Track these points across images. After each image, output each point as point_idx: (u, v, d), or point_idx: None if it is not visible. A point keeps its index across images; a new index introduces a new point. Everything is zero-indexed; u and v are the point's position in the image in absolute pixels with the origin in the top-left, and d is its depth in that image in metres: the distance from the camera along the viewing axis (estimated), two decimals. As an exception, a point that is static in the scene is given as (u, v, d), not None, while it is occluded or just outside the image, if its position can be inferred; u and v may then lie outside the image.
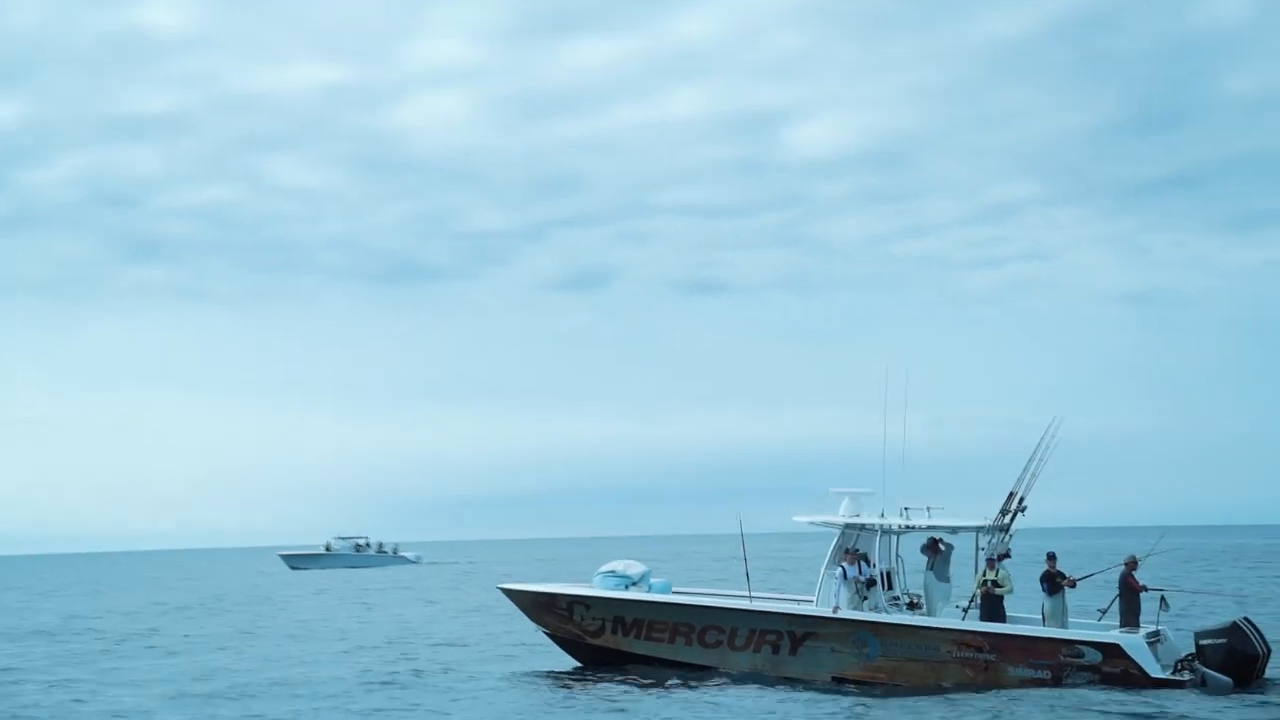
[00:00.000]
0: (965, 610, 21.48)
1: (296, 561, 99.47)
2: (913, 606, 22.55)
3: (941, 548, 22.58)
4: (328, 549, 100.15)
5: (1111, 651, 20.05)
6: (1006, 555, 21.80)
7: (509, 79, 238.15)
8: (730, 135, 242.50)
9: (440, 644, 30.99)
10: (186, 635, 35.14)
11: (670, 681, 21.61)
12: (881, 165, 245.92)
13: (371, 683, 23.35)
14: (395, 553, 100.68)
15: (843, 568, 22.05)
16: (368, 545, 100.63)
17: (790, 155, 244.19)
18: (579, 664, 23.97)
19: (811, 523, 23.16)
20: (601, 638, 23.31)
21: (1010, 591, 21.38)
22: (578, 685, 22.15)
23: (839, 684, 21.18)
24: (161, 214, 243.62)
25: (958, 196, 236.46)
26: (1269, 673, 21.13)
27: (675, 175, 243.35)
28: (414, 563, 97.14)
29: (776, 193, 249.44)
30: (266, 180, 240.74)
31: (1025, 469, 21.86)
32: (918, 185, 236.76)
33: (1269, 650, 20.91)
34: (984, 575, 21.31)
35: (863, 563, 22.11)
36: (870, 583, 22.01)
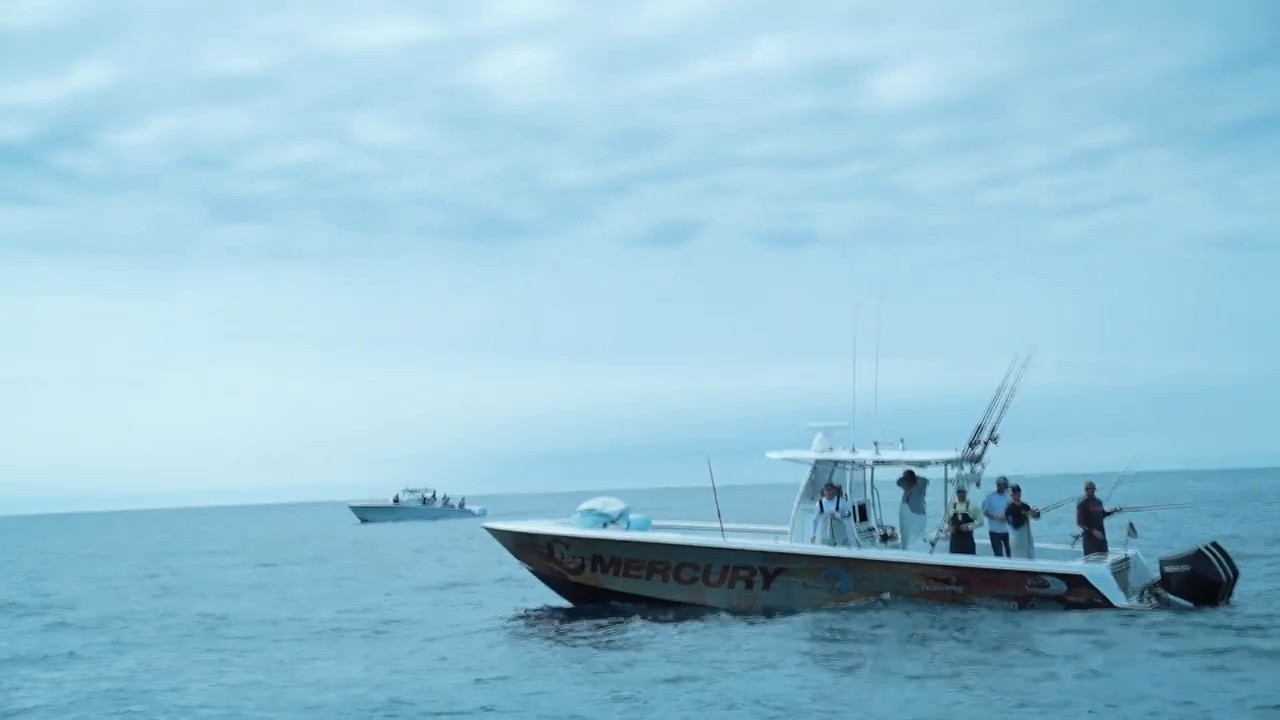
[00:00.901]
0: (934, 543, 21.73)
1: (366, 514, 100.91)
2: (887, 538, 22.84)
3: (917, 481, 22.79)
4: (396, 501, 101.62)
5: (1075, 582, 20.29)
6: (1013, 492, 22.00)
7: (591, 33, 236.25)
8: (814, 85, 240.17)
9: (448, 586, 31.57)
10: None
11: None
12: (967, 113, 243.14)
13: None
14: (461, 505, 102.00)
15: (820, 502, 22.30)
16: (434, 498, 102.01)
17: (875, 104, 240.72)
18: (565, 601, 24.41)
19: (784, 458, 23.35)
20: (581, 575, 23.70)
21: (980, 524, 21.61)
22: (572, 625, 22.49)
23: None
24: (250, 174, 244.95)
25: (1046, 143, 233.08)
26: (1236, 597, 21.42)
27: (759, 127, 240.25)
28: (478, 515, 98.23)
29: (861, 142, 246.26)
30: (353, 138, 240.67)
31: (994, 401, 21.99)
32: (1005, 132, 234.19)
33: (1234, 575, 21.13)
34: (953, 507, 21.52)
35: (840, 497, 22.36)
36: (845, 516, 22.32)
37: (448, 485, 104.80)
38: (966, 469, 22.25)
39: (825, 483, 22.74)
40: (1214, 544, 21.38)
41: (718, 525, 23.60)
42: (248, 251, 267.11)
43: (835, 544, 22.02)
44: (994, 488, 22.09)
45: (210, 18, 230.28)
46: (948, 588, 20.97)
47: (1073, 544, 22.58)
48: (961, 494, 21.62)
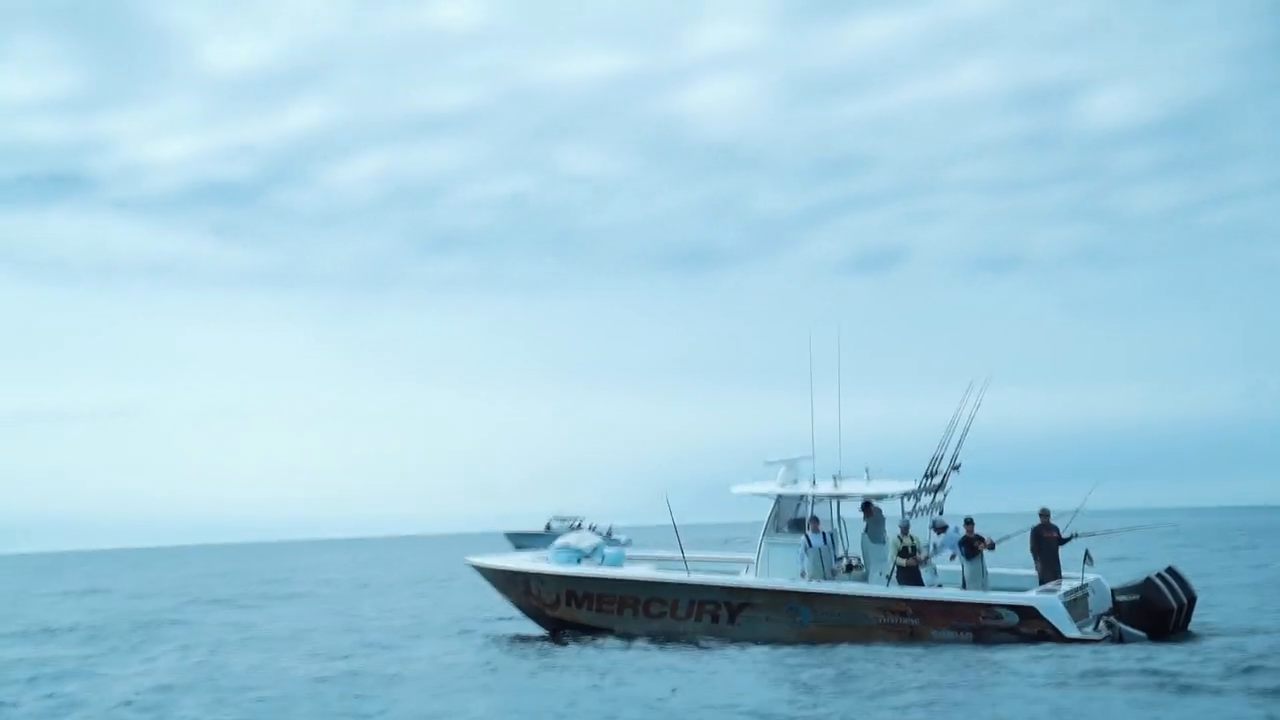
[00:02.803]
0: (888, 578, 22.05)
1: (520, 541, 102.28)
2: (851, 569, 23.19)
3: (874, 512, 23.14)
4: (548, 529, 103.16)
5: (1027, 613, 20.53)
6: (944, 528, 22.25)
7: (791, 59, 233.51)
8: (1020, 108, 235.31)
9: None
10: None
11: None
12: (1181, 132, 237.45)
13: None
14: (608, 535, 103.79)
15: (807, 536, 22.67)
16: (580, 526, 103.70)
17: (1084, 125, 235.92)
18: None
19: (747, 493, 23.80)
20: (558, 610, 24.29)
21: (925, 561, 21.89)
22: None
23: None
24: (458, 207, 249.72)
25: (1265, 161, 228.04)
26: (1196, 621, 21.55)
27: (964, 151, 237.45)
28: (624, 544, 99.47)
29: (1071, 164, 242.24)
30: (558, 169, 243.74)
31: (948, 432, 22.27)
32: (1221, 152, 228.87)
33: (1189, 600, 21.21)
34: (898, 542, 21.85)
35: (810, 532, 22.66)
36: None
37: (636, 515, 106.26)
38: (926, 500, 22.55)
39: (792, 517, 23.19)
40: (1170, 569, 21.47)
41: (696, 557, 24.18)
42: (456, 282, 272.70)
43: (822, 577, 22.38)
44: (951, 528, 22.27)
45: (418, 55, 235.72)
46: (904, 620, 21.29)
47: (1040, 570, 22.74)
48: (904, 529, 21.94)
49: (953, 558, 22.13)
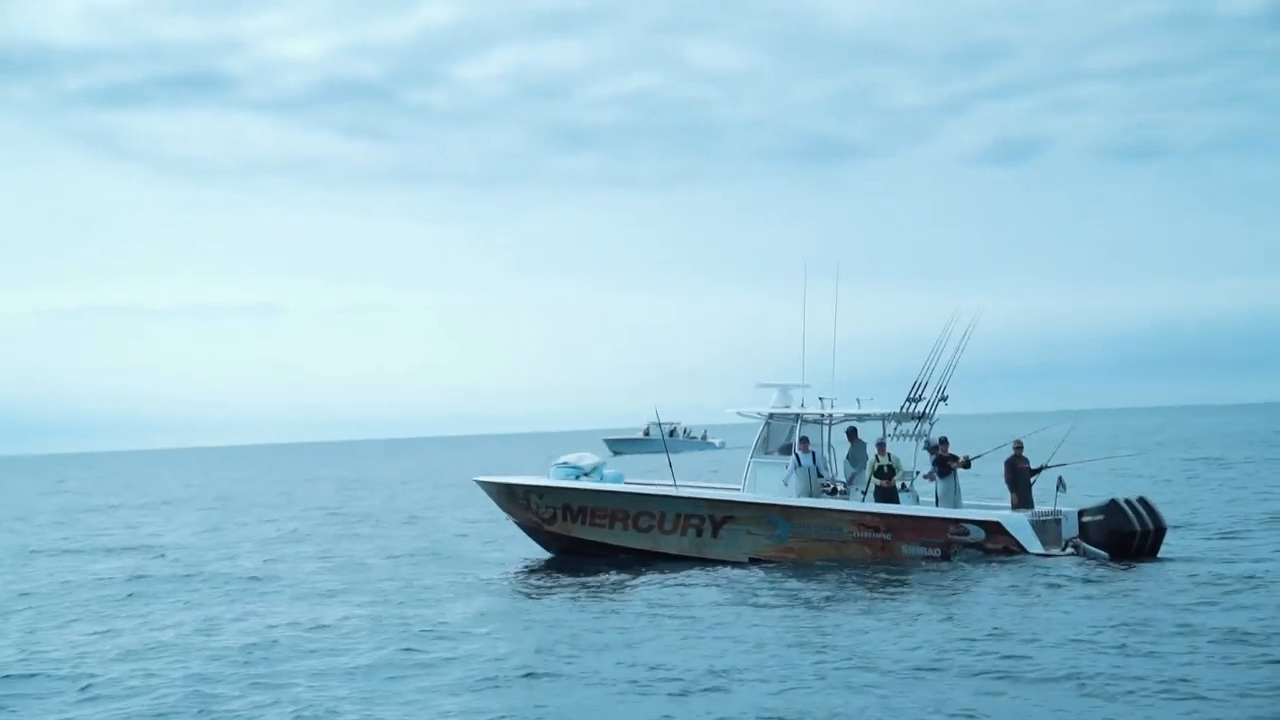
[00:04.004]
0: (864, 494, 22.71)
1: (618, 446, 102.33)
2: (834, 491, 23.84)
3: (860, 434, 23.83)
4: (646, 434, 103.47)
5: (993, 529, 21.12)
6: (940, 444, 22.85)
7: None
8: None
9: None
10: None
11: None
12: None
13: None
14: (704, 438, 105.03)
15: (797, 455, 23.43)
16: (676, 433, 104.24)
17: (1230, 7, 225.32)
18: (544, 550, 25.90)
19: (740, 414, 24.58)
20: (554, 524, 25.19)
21: (902, 479, 22.52)
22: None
23: (754, 564, 22.66)
24: (587, 103, 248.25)
25: None
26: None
27: (1105, 37, 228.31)
28: (718, 448, 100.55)
29: (1216, 48, 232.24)
30: (687, 64, 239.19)
31: (930, 358, 22.89)
32: None
33: (1156, 527, 21.59)
34: (875, 461, 22.49)
35: (800, 451, 23.41)
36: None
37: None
38: (910, 425, 23.18)
39: (783, 441, 23.95)
40: (1141, 498, 21.86)
41: (689, 484, 25.07)
42: (586, 179, 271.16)
43: (810, 495, 23.11)
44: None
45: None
46: (877, 535, 21.95)
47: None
48: (881, 447, 22.59)
49: (930, 476, 22.72)
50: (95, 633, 18.35)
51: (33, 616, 20.33)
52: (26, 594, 23.26)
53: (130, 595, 22.49)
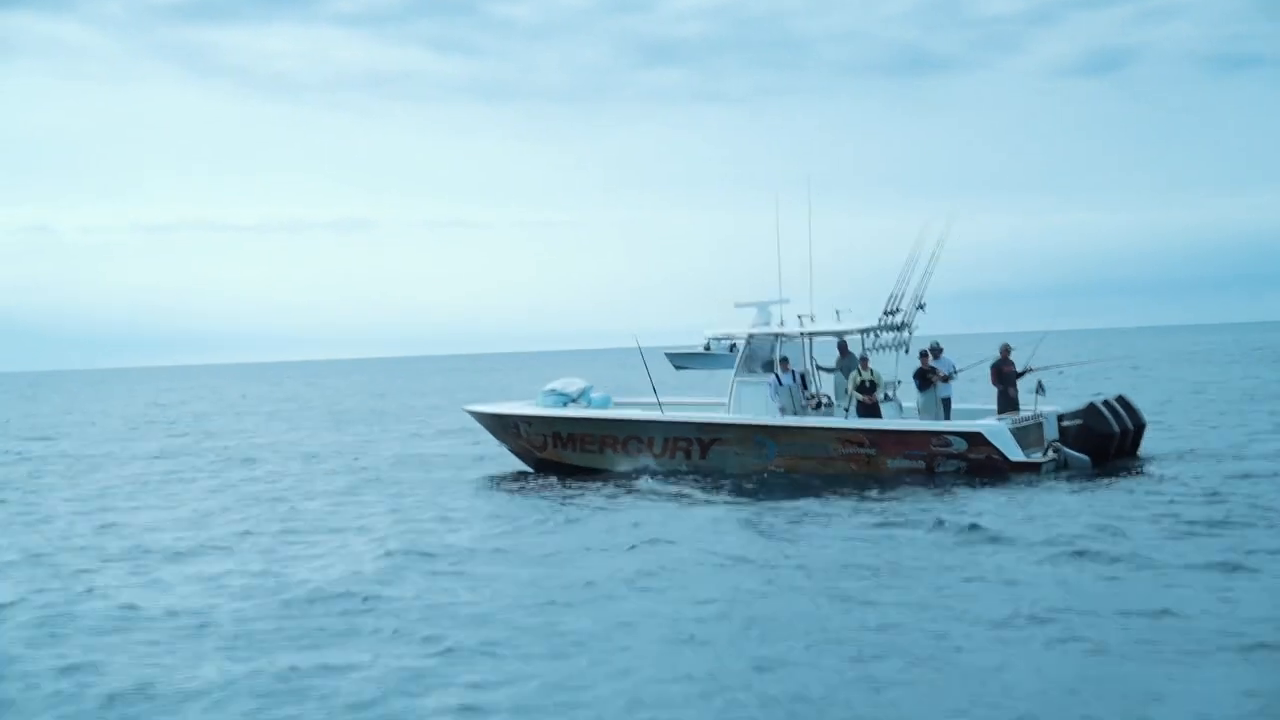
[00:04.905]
0: (846, 410, 23.03)
1: (679, 360, 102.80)
2: (820, 406, 24.16)
3: (849, 349, 24.05)
4: (706, 348, 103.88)
5: (975, 439, 21.47)
6: (939, 352, 23.11)
7: None
8: None
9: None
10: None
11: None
12: None
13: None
14: None
15: (777, 375, 23.69)
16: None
17: None
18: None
19: (720, 334, 24.82)
20: (546, 451, 25.59)
21: (884, 392, 22.82)
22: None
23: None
24: (673, 17, 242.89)
25: None
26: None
27: None
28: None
29: None
30: None
31: (906, 269, 23.01)
32: None
33: (1135, 426, 22.02)
34: (857, 375, 22.76)
35: (780, 371, 23.66)
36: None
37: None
38: (888, 336, 23.41)
39: (764, 358, 24.20)
40: (1119, 397, 22.23)
41: (671, 401, 25.41)
42: (670, 93, 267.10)
43: (794, 413, 23.42)
44: (945, 353, 23.18)
45: None
46: (861, 450, 22.31)
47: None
48: (864, 361, 22.84)
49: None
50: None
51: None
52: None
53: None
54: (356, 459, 31.62)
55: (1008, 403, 22.91)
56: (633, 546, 16.32)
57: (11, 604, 14.17)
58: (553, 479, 24.30)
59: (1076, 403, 22.88)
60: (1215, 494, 18.27)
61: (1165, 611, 11.56)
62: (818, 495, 20.13)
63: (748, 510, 19.13)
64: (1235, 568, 13.28)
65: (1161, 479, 20.04)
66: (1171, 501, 17.72)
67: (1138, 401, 23.15)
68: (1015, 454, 21.30)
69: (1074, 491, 19.20)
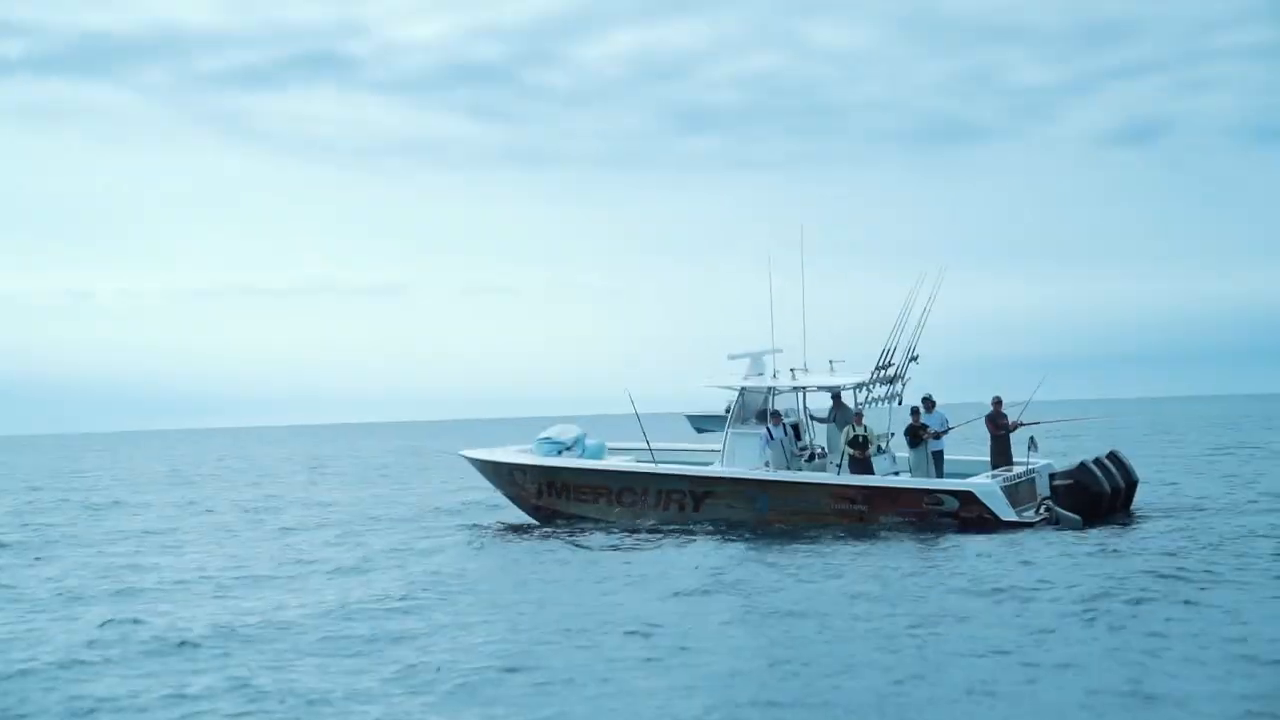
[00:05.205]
0: (839, 466, 23.06)
1: (700, 423, 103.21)
2: (814, 457, 24.19)
3: (843, 401, 24.09)
4: (727, 411, 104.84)
5: (966, 498, 21.48)
6: (912, 413, 23.15)
7: None
8: None
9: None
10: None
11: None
12: None
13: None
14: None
15: (768, 429, 23.70)
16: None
17: None
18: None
19: (714, 386, 24.87)
20: (540, 499, 25.63)
21: (876, 447, 22.85)
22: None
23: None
24: (708, 84, 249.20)
25: None
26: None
27: (1238, 14, 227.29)
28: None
29: None
30: (809, 44, 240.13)
31: (898, 323, 23.09)
32: None
33: (1127, 484, 22.01)
34: (850, 430, 22.79)
35: (771, 424, 23.64)
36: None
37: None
38: (880, 390, 23.44)
39: (757, 409, 24.23)
40: (1111, 454, 22.22)
41: (663, 446, 25.47)
42: (706, 160, 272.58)
43: (786, 466, 23.44)
44: (924, 409, 23.21)
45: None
46: (854, 507, 22.34)
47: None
48: (858, 417, 22.86)
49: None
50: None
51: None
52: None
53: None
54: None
55: (1001, 458, 22.92)
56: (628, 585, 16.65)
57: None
58: (550, 528, 24.38)
59: (1067, 462, 22.89)
60: (1181, 550, 18.36)
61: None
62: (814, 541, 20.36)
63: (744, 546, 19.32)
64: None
65: (1144, 536, 20.02)
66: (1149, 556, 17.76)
67: (1136, 462, 23.20)
68: (1007, 514, 21.29)
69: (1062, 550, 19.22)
